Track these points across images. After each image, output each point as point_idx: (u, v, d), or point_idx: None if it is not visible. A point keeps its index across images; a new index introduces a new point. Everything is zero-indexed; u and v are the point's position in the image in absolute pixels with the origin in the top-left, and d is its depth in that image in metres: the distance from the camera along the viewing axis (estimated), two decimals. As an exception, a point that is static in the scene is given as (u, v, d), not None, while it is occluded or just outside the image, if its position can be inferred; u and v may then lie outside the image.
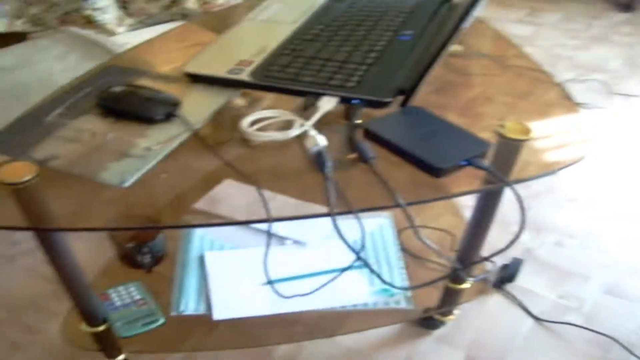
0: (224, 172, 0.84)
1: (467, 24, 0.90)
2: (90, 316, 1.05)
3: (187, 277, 1.27)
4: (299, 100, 0.93)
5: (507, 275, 1.39)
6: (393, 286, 1.22)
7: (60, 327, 1.24)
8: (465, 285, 1.15)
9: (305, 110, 0.90)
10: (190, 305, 1.21)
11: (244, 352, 1.28)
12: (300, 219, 0.78)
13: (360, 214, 0.76)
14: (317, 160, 0.82)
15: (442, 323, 1.30)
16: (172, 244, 1.35)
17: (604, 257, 1.50)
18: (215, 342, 1.16)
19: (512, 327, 1.33)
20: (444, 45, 0.89)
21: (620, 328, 1.31)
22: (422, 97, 0.96)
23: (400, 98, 0.91)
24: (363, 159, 0.83)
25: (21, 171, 0.75)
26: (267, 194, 0.79)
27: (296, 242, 1.34)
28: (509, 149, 0.80)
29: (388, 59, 0.98)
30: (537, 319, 1.34)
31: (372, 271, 1.00)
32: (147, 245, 1.25)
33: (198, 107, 0.94)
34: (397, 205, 0.77)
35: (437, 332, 1.31)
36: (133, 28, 1.69)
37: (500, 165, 0.81)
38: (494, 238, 1.04)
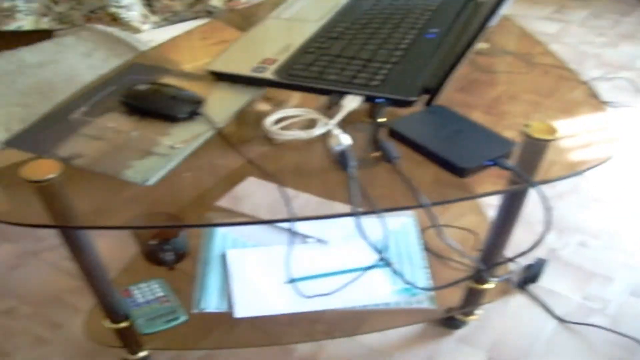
0: (247, 170, 0.84)
1: (494, 22, 0.89)
2: (112, 313, 1.06)
3: (209, 275, 1.27)
4: (322, 99, 0.93)
5: (530, 275, 1.38)
6: (416, 287, 1.22)
7: (83, 323, 1.25)
8: (489, 286, 1.15)
9: (329, 109, 0.90)
10: (211, 302, 1.21)
11: (265, 351, 1.28)
12: (323, 219, 0.78)
13: (384, 213, 0.76)
14: (341, 159, 0.82)
15: (464, 323, 1.30)
16: (194, 241, 1.35)
17: (629, 258, 1.48)
18: (236, 340, 1.16)
19: (535, 329, 1.31)
20: (469, 44, 0.88)
21: (645, 331, 1.30)
22: (447, 95, 0.95)
23: (425, 97, 0.90)
24: (387, 158, 0.82)
25: (45, 169, 0.75)
26: (290, 192, 0.79)
27: (318, 240, 1.34)
28: (535, 149, 0.79)
29: (413, 57, 0.97)
30: (560, 320, 1.32)
31: (395, 272, 1.00)
32: (169, 242, 1.25)
33: (222, 105, 0.95)
34: (421, 206, 0.77)
35: (459, 332, 1.30)
36: (158, 25, 1.70)
37: (525, 165, 0.80)
38: (517, 237, 1.04)
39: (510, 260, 0.97)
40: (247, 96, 0.97)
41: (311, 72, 0.96)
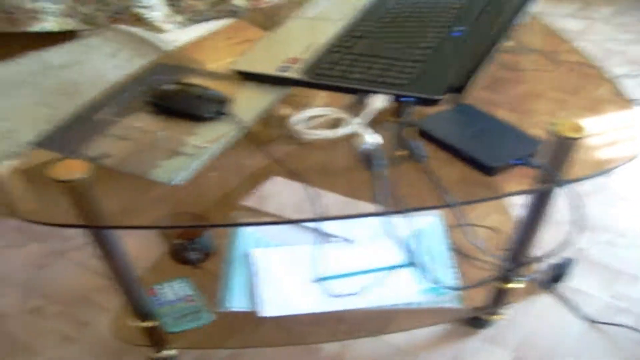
0: (273, 169, 0.84)
1: (520, 19, 0.88)
2: (139, 311, 1.07)
3: (235, 274, 1.28)
4: (346, 98, 0.93)
5: (557, 274, 1.36)
6: (445, 286, 1.21)
7: (110, 321, 1.26)
8: (515, 285, 1.14)
9: (355, 108, 0.90)
10: (237, 302, 1.21)
11: (290, 350, 1.28)
12: (351, 218, 0.77)
13: (412, 213, 0.75)
14: (368, 158, 0.81)
15: (490, 323, 1.29)
16: (219, 240, 1.36)
17: (657, 257, 1.47)
18: (260, 339, 1.16)
19: (561, 328, 1.30)
20: (496, 42, 0.87)
21: (674, 331, 1.28)
22: (472, 93, 0.94)
23: (452, 95, 0.89)
24: (415, 157, 0.82)
25: (74, 169, 0.76)
26: (316, 191, 0.79)
27: (343, 239, 1.34)
28: (562, 147, 0.78)
29: (439, 55, 0.96)
30: (587, 319, 1.31)
31: (424, 272, 0.99)
32: (195, 241, 1.26)
33: (247, 104, 0.95)
34: (449, 205, 0.77)
35: (485, 332, 1.29)
36: (181, 25, 1.71)
37: (552, 163, 0.80)
38: (543, 236, 1.02)
39: (538, 260, 0.96)
40: (272, 95, 0.97)
41: (337, 71, 0.95)
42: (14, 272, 1.52)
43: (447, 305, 1.19)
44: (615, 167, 0.83)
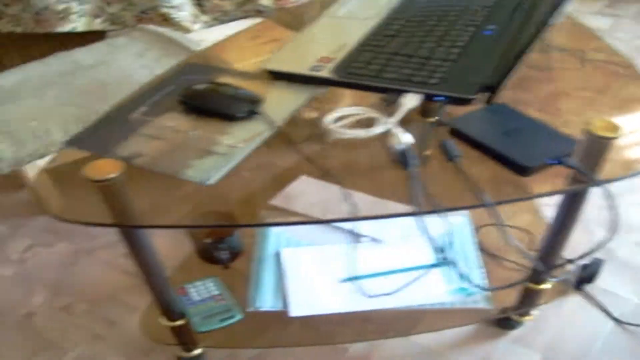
0: (304, 169, 0.84)
1: (556, 19, 0.88)
2: (169, 310, 1.07)
3: (264, 274, 1.28)
4: (371, 98, 0.92)
5: (587, 275, 1.35)
6: (478, 287, 1.20)
7: (137, 320, 1.26)
8: (545, 286, 1.13)
9: (387, 108, 0.89)
10: (267, 301, 1.21)
11: (318, 350, 1.28)
12: (383, 218, 0.77)
13: (445, 213, 0.75)
14: (402, 158, 0.81)
15: (519, 323, 1.28)
16: (248, 240, 1.36)
17: (688, 258, 1.45)
18: (289, 338, 1.17)
19: (591, 330, 1.29)
20: (531, 41, 0.86)
21: None
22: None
23: (484, 95, 0.89)
24: (448, 156, 0.82)
25: (107, 168, 0.76)
26: (347, 191, 0.78)
27: (372, 239, 1.33)
28: (597, 147, 0.78)
29: (471, 54, 0.96)
30: (617, 321, 1.30)
31: (455, 272, 0.99)
32: (225, 241, 1.26)
33: (279, 104, 0.95)
34: (484, 205, 0.76)
35: (514, 333, 1.28)
36: (208, 25, 1.71)
37: (586, 163, 0.79)
38: (572, 236, 1.01)
39: (571, 261, 0.96)
40: (304, 95, 0.97)
41: (369, 70, 0.95)
42: (43, 271, 1.53)
43: (476, 305, 1.19)
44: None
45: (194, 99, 0.95)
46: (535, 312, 1.27)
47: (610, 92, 0.98)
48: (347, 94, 1.00)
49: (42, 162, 1.43)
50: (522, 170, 0.79)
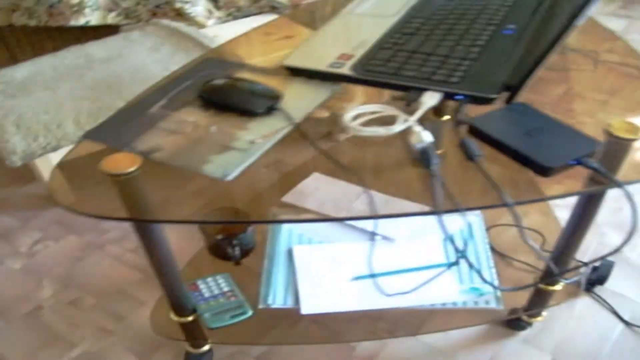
0: (323, 166, 0.83)
1: (581, 20, 0.87)
2: (179, 306, 1.07)
3: (275, 271, 1.28)
4: (387, 96, 0.92)
5: (597, 277, 1.35)
6: (495, 287, 1.20)
7: (145, 314, 1.26)
8: (556, 287, 1.13)
9: (408, 106, 0.89)
10: (277, 298, 1.21)
11: (326, 348, 1.28)
12: (403, 217, 0.77)
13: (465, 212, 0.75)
14: (422, 156, 0.81)
15: (528, 324, 1.28)
16: (259, 236, 1.36)
17: (699, 262, 1.45)
18: (298, 336, 1.17)
19: (601, 332, 1.29)
20: (555, 42, 0.86)
21: None
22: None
23: (505, 94, 0.89)
24: (469, 156, 0.81)
25: (125, 162, 0.76)
26: (359, 189, 0.78)
27: (385, 237, 1.33)
28: (617, 148, 0.78)
29: (491, 53, 0.96)
30: (627, 324, 1.30)
31: (468, 271, 0.99)
32: (237, 237, 1.26)
33: (298, 100, 0.94)
34: (504, 205, 0.76)
35: (523, 334, 1.28)
36: (222, 20, 1.71)
37: (606, 165, 0.79)
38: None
39: (585, 264, 0.95)
40: (323, 91, 0.96)
41: (389, 68, 0.95)
42: (52, 264, 1.53)
43: (487, 306, 1.18)
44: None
45: (213, 94, 0.95)
46: (545, 313, 1.27)
47: (622, 94, 0.98)
48: (361, 91, 1.00)
49: (54, 155, 1.43)
50: (543, 170, 0.79)
